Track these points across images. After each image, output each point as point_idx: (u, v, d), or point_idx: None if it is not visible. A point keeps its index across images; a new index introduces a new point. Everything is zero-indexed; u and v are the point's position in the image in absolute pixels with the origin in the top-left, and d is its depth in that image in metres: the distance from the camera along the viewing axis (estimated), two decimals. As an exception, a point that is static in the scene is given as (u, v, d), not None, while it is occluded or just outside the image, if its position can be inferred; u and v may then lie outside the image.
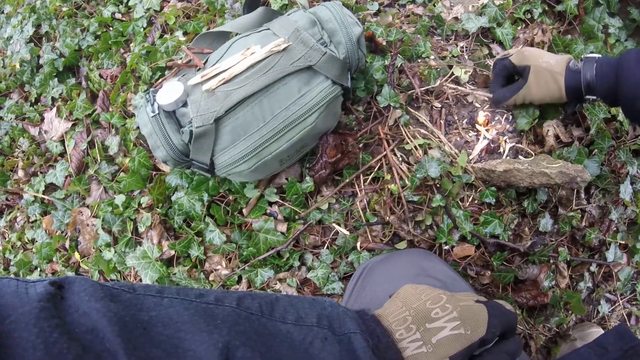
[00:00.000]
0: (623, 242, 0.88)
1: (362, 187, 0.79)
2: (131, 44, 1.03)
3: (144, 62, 0.95)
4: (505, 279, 0.80)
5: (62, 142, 1.02)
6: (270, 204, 0.81)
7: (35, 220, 1.03)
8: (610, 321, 0.91)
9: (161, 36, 1.00)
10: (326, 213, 0.79)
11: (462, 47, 0.89)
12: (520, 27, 0.92)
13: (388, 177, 0.77)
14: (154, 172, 0.89)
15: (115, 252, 0.88)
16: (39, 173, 1.05)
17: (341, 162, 0.77)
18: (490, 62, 0.87)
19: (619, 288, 0.90)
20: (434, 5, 0.93)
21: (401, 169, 0.77)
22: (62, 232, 0.98)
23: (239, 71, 0.63)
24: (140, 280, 0.84)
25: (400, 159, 0.79)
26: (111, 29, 1.07)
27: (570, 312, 0.86)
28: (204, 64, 0.70)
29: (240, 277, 0.82)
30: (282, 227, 0.79)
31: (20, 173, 1.08)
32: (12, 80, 1.15)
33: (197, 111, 0.63)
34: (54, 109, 1.05)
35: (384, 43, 0.85)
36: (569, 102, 0.72)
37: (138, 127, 0.92)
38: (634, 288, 0.92)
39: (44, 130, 1.07)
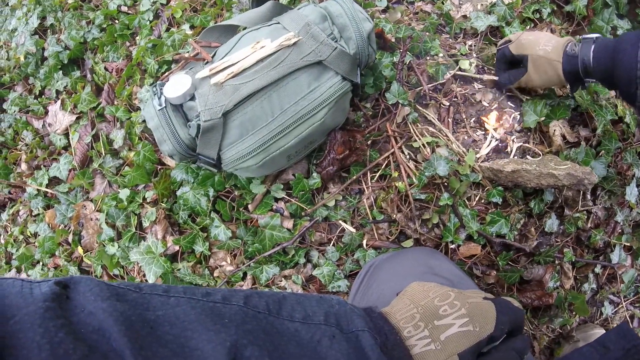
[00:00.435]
0: (628, 244, 0.88)
1: (369, 184, 0.78)
2: (137, 37, 1.02)
3: (150, 55, 0.94)
4: (510, 278, 0.79)
5: (66, 135, 1.01)
6: (277, 200, 0.80)
7: (38, 214, 1.02)
8: (613, 323, 0.91)
9: (168, 29, 1.00)
10: (333, 210, 0.79)
11: (471, 46, 0.89)
12: (529, 27, 0.92)
13: (395, 174, 0.77)
14: (159, 167, 0.88)
15: (119, 247, 0.87)
16: (42, 166, 1.04)
17: (349, 159, 0.77)
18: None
19: (623, 290, 0.90)
20: (443, 3, 0.92)
21: (409, 167, 0.77)
22: (65, 226, 0.97)
23: (249, 65, 0.63)
24: (144, 275, 0.84)
25: (407, 156, 0.78)
26: (117, 21, 1.06)
27: (574, 313, 0.86)
28: (212, 57, 0.69)
29: (245, 274, 0.81)
30: (288, 224, 0.79)
31: (24, 166, 1.08)
32: (16, 73, 1.14)
33: (205, 105, 0.62)
34: (59, 102, 1.04)
35: (393, 40, 0.85)
36: (571, 85, 0.73)
37: (143, 121, 0.91)
38: (638, 290, 0.92)
39: (48, 123, 1.06)
